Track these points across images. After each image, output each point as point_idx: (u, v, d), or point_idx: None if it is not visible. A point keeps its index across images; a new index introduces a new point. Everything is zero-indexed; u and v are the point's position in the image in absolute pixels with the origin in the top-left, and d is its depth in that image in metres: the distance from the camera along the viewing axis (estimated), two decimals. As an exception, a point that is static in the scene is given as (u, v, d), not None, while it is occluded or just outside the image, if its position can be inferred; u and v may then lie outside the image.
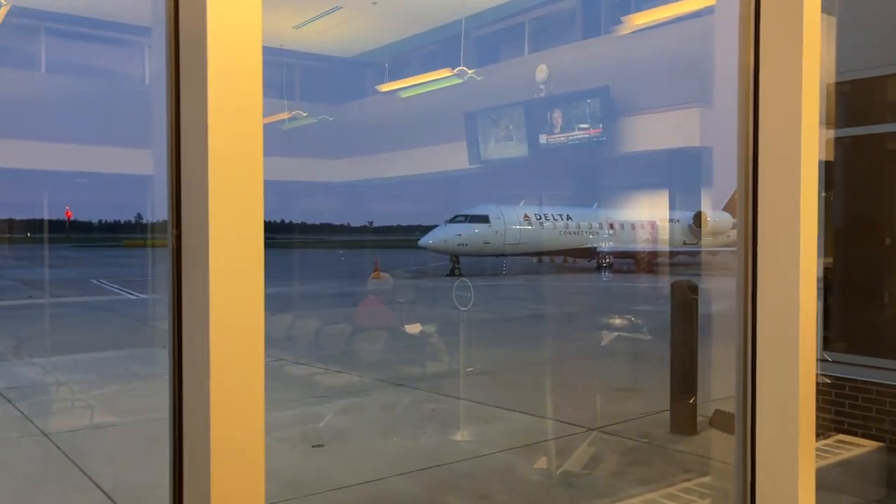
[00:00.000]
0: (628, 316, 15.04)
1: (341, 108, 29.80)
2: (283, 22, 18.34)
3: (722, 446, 6.16)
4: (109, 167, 21.49)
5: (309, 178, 30.05)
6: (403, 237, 37.75)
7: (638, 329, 13.41)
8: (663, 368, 7.01)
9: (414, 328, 13.69)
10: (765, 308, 1.89)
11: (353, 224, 47.69)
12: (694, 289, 6.94)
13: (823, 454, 5.37)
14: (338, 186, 34.03)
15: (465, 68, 19.02)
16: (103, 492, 5.29)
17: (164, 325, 1.21)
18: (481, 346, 12.09)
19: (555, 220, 29.37)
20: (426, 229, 28.03)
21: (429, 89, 20.67)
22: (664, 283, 24.05)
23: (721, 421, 6.84)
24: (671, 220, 30.79)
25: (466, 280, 25.02)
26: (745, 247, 1.93)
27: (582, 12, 25.50)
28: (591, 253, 30.04)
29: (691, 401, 6.68)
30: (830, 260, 6.15)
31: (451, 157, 27.57)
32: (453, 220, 27.42)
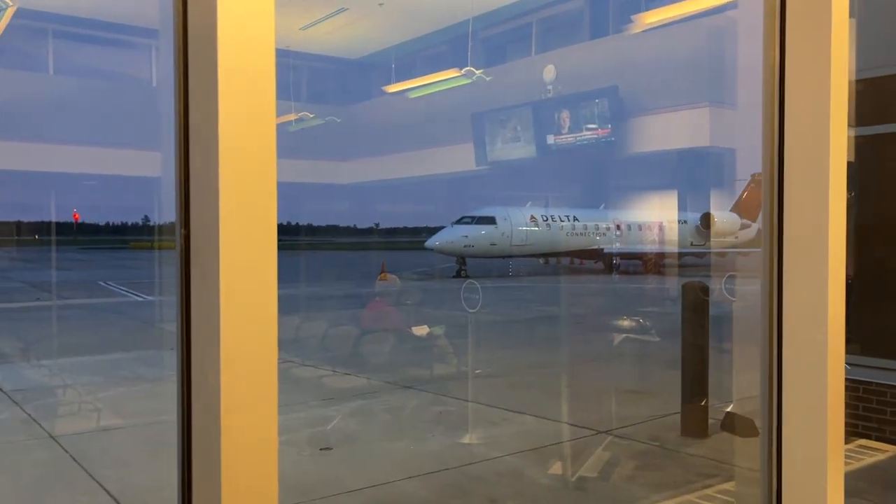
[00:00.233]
0: (636, 317, 14.95)
1: (348, 109, 29.81)
2: (290, 23, 18.34)
3: (734, 449, 6.09)
4: (117, 169, 21.54)
5: (316, 179, 30.05)
6: (410, 239, 37.73)
7: (646, 331, 13.33)
8: (673, 370, 6.95)
9: (421, 330, 13.64)
10: (792, 310, 1.83)
11: (359, 226, 47.72)
12: (705, 290, 6.87)
13: (847, 460, 5.29)
14: (344, 188, 34.04)
15: (472, 69, 18.98)
16: (110, 495, 5.25)
17: (172, 327, 1.17)
18: (489, 348, 12.03)
19: (561, 221, 29.30)
20: (433, 231, 28.00)
21: (436, 90, 20.63)
22: (671, 284, 23.96)
23: (733, 424, 6.76)
24: (678, 222, 30.67)
25: (473, 282, 24.96)
26: (770, 248, 1.87)
27: (590, 12, 25.44)
28: (598, 254, 29.96)
29: (703, 403, 6.60)
30: (845, 261, 6.06)
31: (459, 159, 27.53)
32: (460, 221, 27.38)
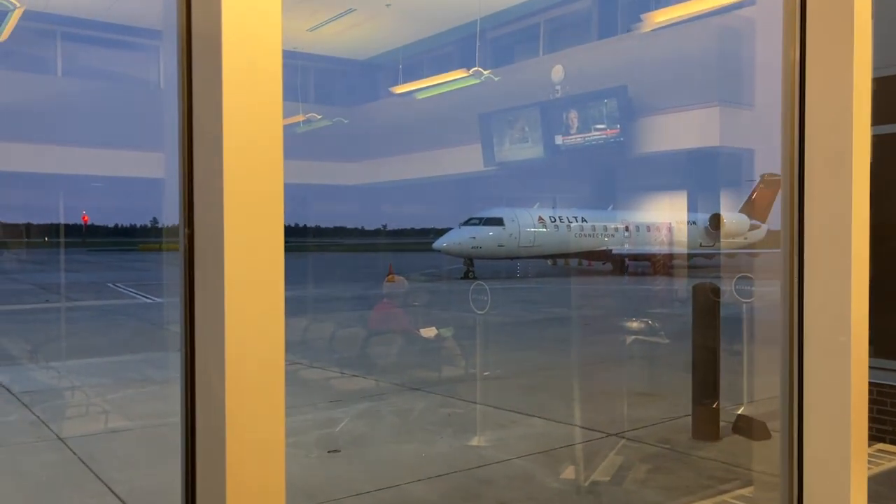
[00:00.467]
0: (646, 319, 14.88)
1: (356, 110, 29.83)
2: (298, 24, 18.35)
3: (747, 453, 6.03)
4: (125, 171, 21.61)
5: (323, 181, 30.09)
6: (417, 240, 37.74)
7: (656, 332, 13.26)
8: (683, 373, 6.89)
9: (429, 331, 13.61)
10: (813, 311, 1.78)
11: (367, 227, 47.78)
12: (716, 291, 6.81)
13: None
14: (352, 189, 34.07)
15: (480, 69, 18.93)
16: (118, 498, 5.24)
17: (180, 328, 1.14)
18: (497, 349, 11.99)
19: (569, 222, 29.24)
20: (440, 232, 28.00)
21: (444, 90, 20.60)
22: (680, 285, 23.85)
23: (745, 427, 6.70)
24: (688, 223, 30.56)
25: (481, 283, 24.92)
26: (790, 249, 1.82)
27: (599, 12, 25.37)
28: (606, 255, 29.87)
29: (714, 406, 6.54)
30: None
31: (467, 159, 27.50)
32: (467, 222, 27.36)
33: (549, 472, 5.86)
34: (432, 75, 20.79)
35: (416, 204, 40.62)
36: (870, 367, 5.42)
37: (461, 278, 26.53)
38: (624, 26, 23.73)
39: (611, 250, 29.61)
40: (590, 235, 29.54)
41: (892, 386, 5.94)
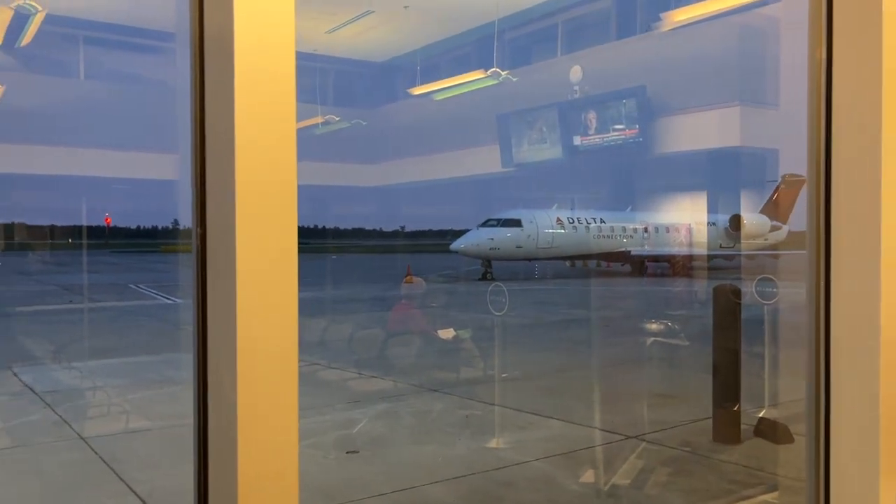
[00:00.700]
0: (665, 321, 14.76)
1: (374, 112, 29.91)
2: (315, 26, 18.42)
3: (769, 456, 5.95)
4: (147, 173, 21.82)
5: (341, 182, 30.18)
6: (435, 241, 37.74)
7: (675, 334, 13.15)
8: (704, 375, 6.82)
9: (447, 333, 13.60)
10: (840, 314, 1.75)
11: (385, 228, 47.84)
12: (737, 293, 6.73)
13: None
14: (370, 191, 34.15)
15: (498, 70, 18.90)
16: (139, 497, 5.27)
17: (201, 330, 1.14)
18: (516, 351, 11.95)
19: (588, 223, 29.11)
20: (458, 233, 28.00)
21: (461, 92, 20.59)
22: (700, 287, 23.64)
23: (767, 430, 6.61)
24: (707, 224, 30.29)
25: (499, 284, 24.88)
26: (816, 250, 1.78)
27: (617, 11, 25.24)
28: (624, 257, 29.70)
29: (735, 409, 6.47)
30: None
31: (484, 160, 27.48)
32: (485, 224, 27.33)
33: (569, 474, 5.82)
34: (450, 76, 20.79)
35: (434, 205, 40.63)
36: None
37: (479, 279, 26.50)
38: (643, 26, 23.58)
39: (629, 251, 29.44)
40: (608, 237, 29.39)
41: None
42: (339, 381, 9.55)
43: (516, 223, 27.10)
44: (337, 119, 24.48)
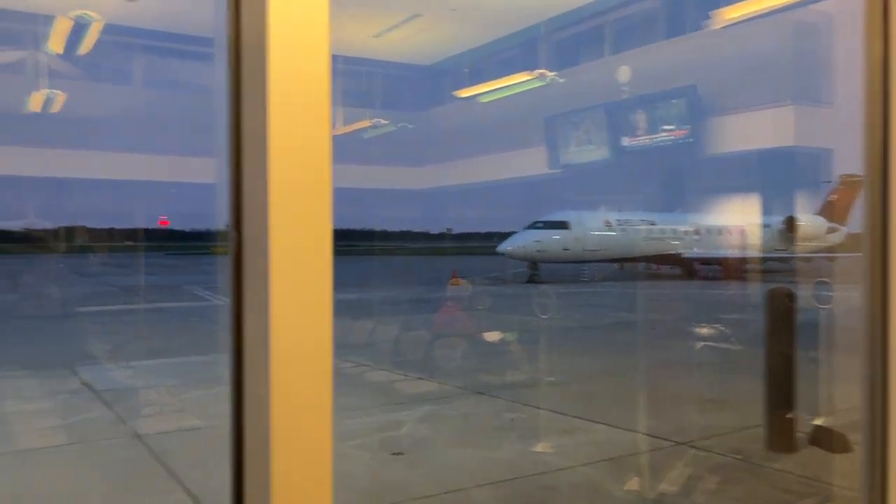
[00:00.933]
0: (716, 324, 14.44)
1: (421, 115, 30.05)
2: (363, 31, 18.60)
3: (826, 466, 5.76)
4: (201, 177, 22.36)
5: (389, 185, 30.40)
6: (482, 244, 37.71)
7: (727, 338, 12.86)
8: (756, 380, 6.64)
9: (493, 336, 13.56)
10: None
11: (432, 231, 48.00)
12: (791, 296, 6.54)
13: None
14: (417, 193, 34.33)
15: (545, 71, 18.79)
16: (190, 495, 5.39)
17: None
18: (562, 354, 11.84)
19: (637, 225, 28.71)
20: (505, 236, 27.93)
21: (508, 94, 20.54)
22: (753, 290, 23.08)
23: (822, 438, 6.40)
24: (761, 225, 29.54)
25: (546, 287, 24.70)
26: (872, 253, 1.72)
27: (666, 10, 24.85)
28: (675, 259, 29.20)
29: (789, 416, 6.28)
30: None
31: (531, 162, 27.35)
32: (532, 226, 27.21)
33: (615, 480, 5.74)
34: (497, 78, 20.77)
35: (481, 208, 40.61)
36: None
37: (525, 282, 26.37)
38: (693, 24, 23.15)
39: (680, 254, 28.93)
40: (658, 239, 28.95)
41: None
42: (385, 383, 9.61)
43: (563, 225, 26.91)
44: (385, 122, 24.68)
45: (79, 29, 14.02)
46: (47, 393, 8.93)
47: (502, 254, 26.97)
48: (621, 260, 29.96)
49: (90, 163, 22.85)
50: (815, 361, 7.28)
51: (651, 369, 10.59)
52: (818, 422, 6.50)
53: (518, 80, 19.76)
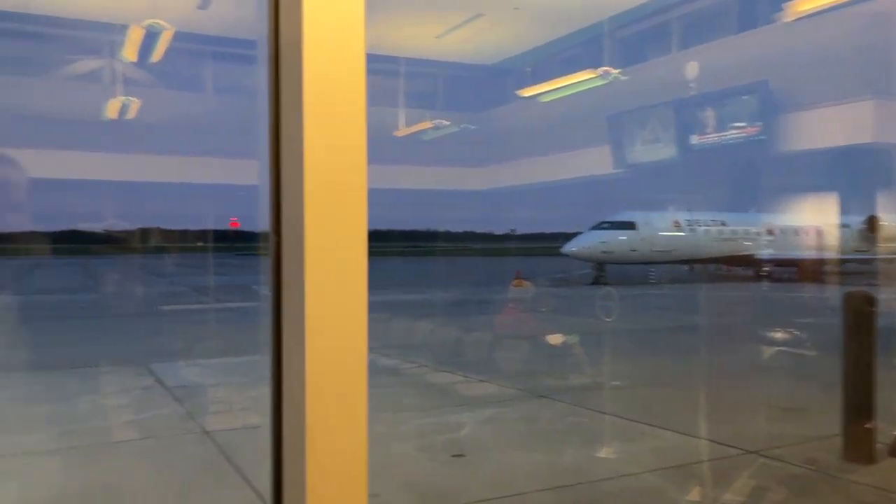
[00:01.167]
0: (791, 329, 13.91)
1: (484, 115, 30.02)
2: (426, 32, 18.69)
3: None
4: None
5: (451, 186, 30.47)
6: (546, 244, 37.41)
7: (802, 343, 12.37)
8: (832, 388, 6.35)
9: (556, 338, 13.41)
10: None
11: (495, 232, 47.90)
12: (871, 300, 6.23)
13: None
14: (480, 194, 34.30)
15: (609, 69, 18.48)
16: (256, 492, 5.49)
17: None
18: (627, 358, 11.62)
19: (707, 225, 27.98)
20: (570, 236, 27.64)
21: (571, 92, 20.30)
22: (831, 293, 22.14)
23: (905, 450, 6.07)
24: (839, 226, 28.32)
25: (612, 289, 24.31)
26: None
27: (735, 5, 24.12)
28: (747, 260, 28.32)
29: (868, 425, 5.98)
30: None
31: (596, 162, 26.97)
32: (598, 226, 26.84)
33: (681, 489, 5.57)
34: (560, 77, 20.55)
35: (545, 208, 40.30)
36: None
37: (590, 284, 26.02)
38: (764, 17, 22.35)
39: (753, 255, 28.05)
40: (730, 239, 28.15)
41: None
42: (446, 384, 9.61)
43: (630, 226, 26.48)
44: (447, 123, 24.75)
45: (150, 37, 14.57)
46: (123, 389, 9.28)
47: (567, 255, 26.68)
48: (691, 261, 29.24)
49: (164, 167, 23.73)
50: (897, 369, 6.92)
51: (720, 375, 10.27)
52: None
53: (581, 78, 19.51)
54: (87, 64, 22.69)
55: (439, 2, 17.69)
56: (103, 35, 21.06)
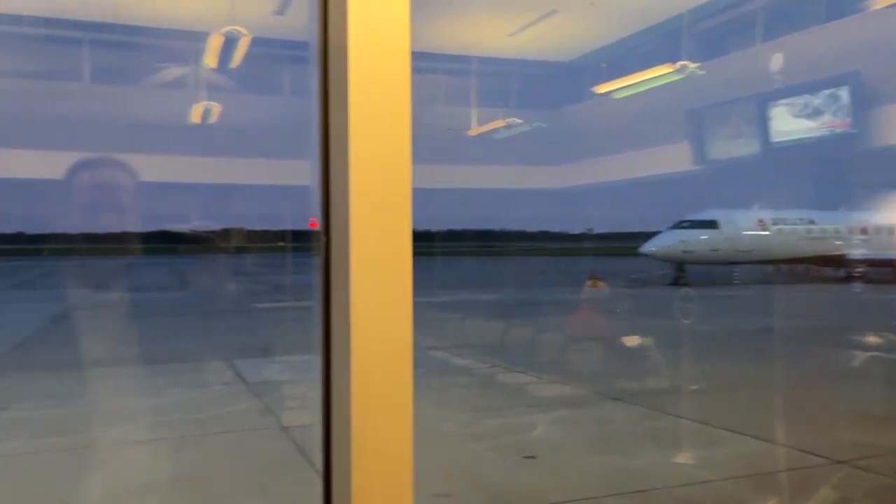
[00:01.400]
0: (886, 333, 13.17)
1: (559, 113, 29.71)
2: (499, 30, 18.63)
3: None
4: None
5: (525, 185, 30.29)
6: (624, 244, 36.70)
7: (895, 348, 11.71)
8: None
9: (632, 340, 13.13)
10: None
11: (571, 231, 47.33)
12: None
13: None
14: (554, 193, 33.96)
15: (687, 63, 17.97)
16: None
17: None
18: (707, 361, 11.25)
19: (795, 224, 26.86)
20: (648, 236, 27.02)
21: (647, 87, 19.84)
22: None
23: None
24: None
25: (692, 290, 23.63)
26: None
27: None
28: (838, 261, 27.00)
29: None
30: None
31: (674, 159, 26.27)
32: (678, 225, 26.14)
33: (762, 499, 5.35)
34: (637, 72, 20.10)
35: (621, 206, 39.54)
36: None
37: (670, 284, 25.37)
38: (851, 6, 21.22)
39: (844, 255, 26.73)
40: (819, 239, 26.93)
41: None
42: (519, 385, 9.55)
43: (712, 225, 25.67)
44: (519, 122, 24.60)
45: (229, 43, 15.09)
46: (204, 383, 9.63)
47: (645, 255, 26.11)
48: (777, 262, 28.12)
49: (246, 169, 24.55)
50: None
51: (807, 380, 9.82)
52: None
53: (659, 73, 19.04)
54: (173, 71, 23.72)
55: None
56: (186, 43, 21.96)
